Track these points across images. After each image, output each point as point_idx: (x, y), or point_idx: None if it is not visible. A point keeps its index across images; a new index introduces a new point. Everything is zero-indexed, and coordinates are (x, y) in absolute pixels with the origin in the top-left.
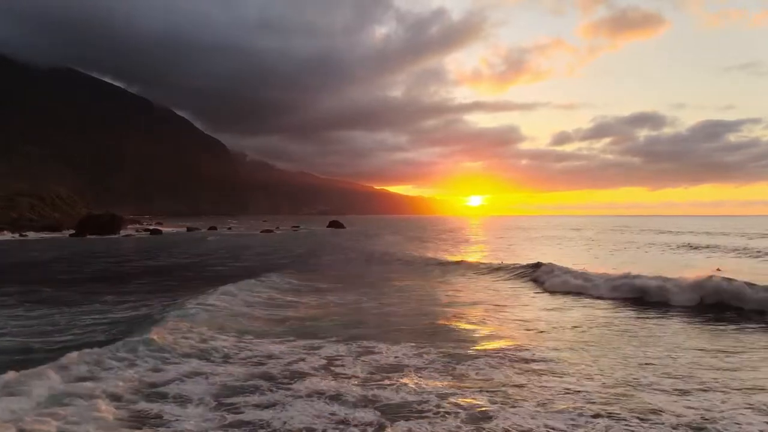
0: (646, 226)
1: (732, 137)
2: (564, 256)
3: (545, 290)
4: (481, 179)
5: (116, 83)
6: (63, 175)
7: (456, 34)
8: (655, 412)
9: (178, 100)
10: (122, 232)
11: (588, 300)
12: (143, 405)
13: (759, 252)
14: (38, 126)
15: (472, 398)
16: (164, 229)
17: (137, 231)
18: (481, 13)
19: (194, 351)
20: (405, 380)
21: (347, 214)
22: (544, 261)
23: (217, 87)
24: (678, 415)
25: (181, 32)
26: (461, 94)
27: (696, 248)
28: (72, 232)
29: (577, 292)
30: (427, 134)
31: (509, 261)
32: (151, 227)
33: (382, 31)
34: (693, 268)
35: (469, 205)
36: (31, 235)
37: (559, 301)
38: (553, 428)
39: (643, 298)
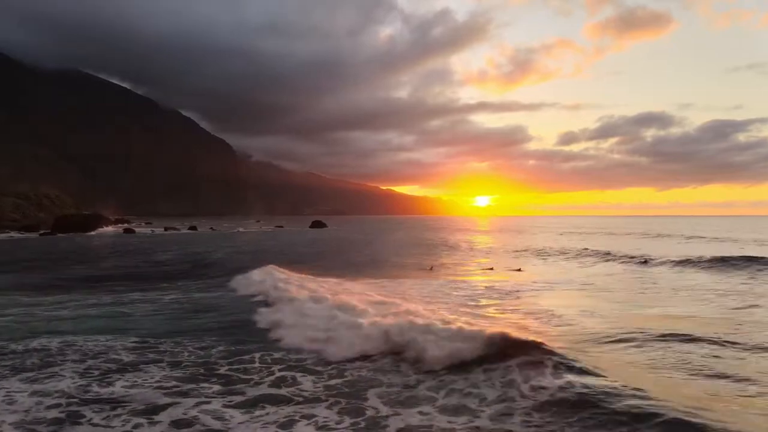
0: (619, 227)
1: (741, 137)
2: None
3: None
4: (488, 179)
5: (123, 84)
6: (68, 176)
7: (461, 35)
8: None
9: (185, 101)
10: (97, 231)
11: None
12: None
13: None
14: (44, 127)
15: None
16: (141, 230)
17: (112, 230)
18: (486, 14)
19: None
20: None
21: (353, 214)
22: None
23: (223, 88)
24: None
25: (188, 35)
26: (467, 95)
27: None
28: (44, 231)
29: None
30: (432, 135)
31: None
32: (125, 226)
33: (386, 32)
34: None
35: (476, 206)
36: (3, 236)
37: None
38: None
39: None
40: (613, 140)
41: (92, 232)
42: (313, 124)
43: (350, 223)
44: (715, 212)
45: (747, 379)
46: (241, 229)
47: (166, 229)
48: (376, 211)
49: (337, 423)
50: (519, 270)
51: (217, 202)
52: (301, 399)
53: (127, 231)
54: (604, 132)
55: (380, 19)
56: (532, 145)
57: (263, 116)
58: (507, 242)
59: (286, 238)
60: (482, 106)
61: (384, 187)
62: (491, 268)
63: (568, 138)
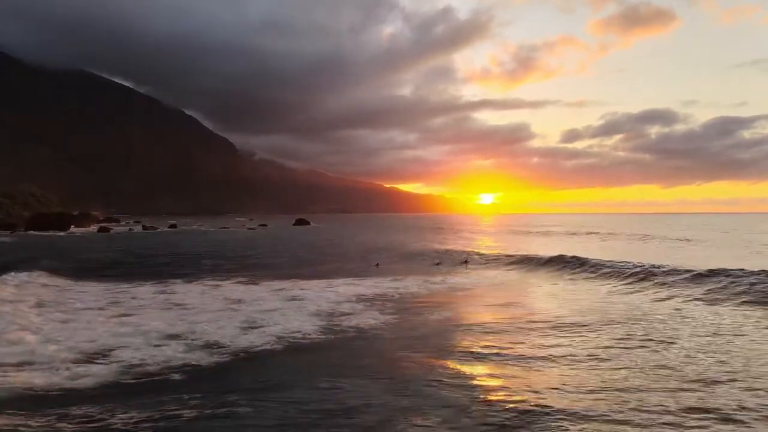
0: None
1: (746, 134)
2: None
3: None
4: (492, 177)
5: (125, 83)
6: (70, 175)
7: (463, 33)
8: None
9: (188, 100)
10: (70, 231)
11: None
12: None
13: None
14: (46, 126)
15: None
16: (119, 228)
17: (87, 229)
18: (488, 12)
19: None
20: None
21: (358, 212)
22: None
23: (226, 87)
24: None
25: (190, 34)
26: (470, 92)
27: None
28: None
29: None
30: (436, 132)
31: None
32: (101, 225)
33: (388, 30)
34: None
35: (480, 203)
36: None
37: None
38: None
39: None
40: (617, 137)
41: (62, 232)
42: (317, 122)
43: (344, 221)
44: (721, 209)
45: None
46: (203, 228)
47: (144, 228)
48: (381, 209)
49: None
50: (466, 262)
51: (219, 201)
52: None
53: (102, 230)
54: (607, 129)
55: (382, 17)
56: (535, 143)
57: (266, 115)
58: (481, 241)
59: (240, 236)
60: (485, 104)
61: (388, 185)
62: (439, 263)
63: (572, 135)
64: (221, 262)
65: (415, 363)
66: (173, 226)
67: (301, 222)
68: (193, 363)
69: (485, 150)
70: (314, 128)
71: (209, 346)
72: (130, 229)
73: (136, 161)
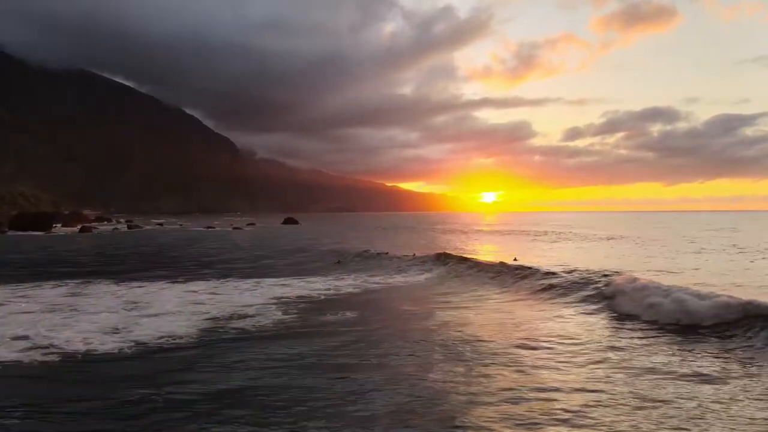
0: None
1: (748, 131)
2: None
3: None
4: (494, 175)
5: (126, 83)
6: (70, 175)
7: (463, 32)
8: None
9: (189, 99)
10: (51, 231)
11: None
12: None
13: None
14: (49, 126)
15: None
16: (104, 227)
17: (69, 229)
18: (488, 9)
19: None
20: None
21: (360, 211)
22: None
23: (226, 86)
24: None
25: (191, 33)
26: (471, 91)
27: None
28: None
29: None
30: (437, 131)
31: None
32: (83, 225)
33: (388, 29)
34: None
35: (482, 202)
36: None
37: None
38: None
39: None
40: (618, 135)
41: (41, 232)
42: (318, 121)
43: (338, 220)
44: (724, 207)
45: None
46: (192, 227)
47: (129, 227)
48: (382, 207)
49: None
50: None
51: (220, 200)
52: None
53: (83, 230)
54: (609, 127)
55: (382, 16)
56: (537, 141)
57: (267, 114)
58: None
59: (218, 235)
60: (486, 102)
61: (389, 184)
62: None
63: (573, 134)
64: (174, 261)
65: (250, 377)
66: (159, 224)
67: (289, 221)
68: (10, 366)
69: (486, 148)
70: (315, 127)
71: (46, 347)
72: (114, 229)
73: (137, 160)
